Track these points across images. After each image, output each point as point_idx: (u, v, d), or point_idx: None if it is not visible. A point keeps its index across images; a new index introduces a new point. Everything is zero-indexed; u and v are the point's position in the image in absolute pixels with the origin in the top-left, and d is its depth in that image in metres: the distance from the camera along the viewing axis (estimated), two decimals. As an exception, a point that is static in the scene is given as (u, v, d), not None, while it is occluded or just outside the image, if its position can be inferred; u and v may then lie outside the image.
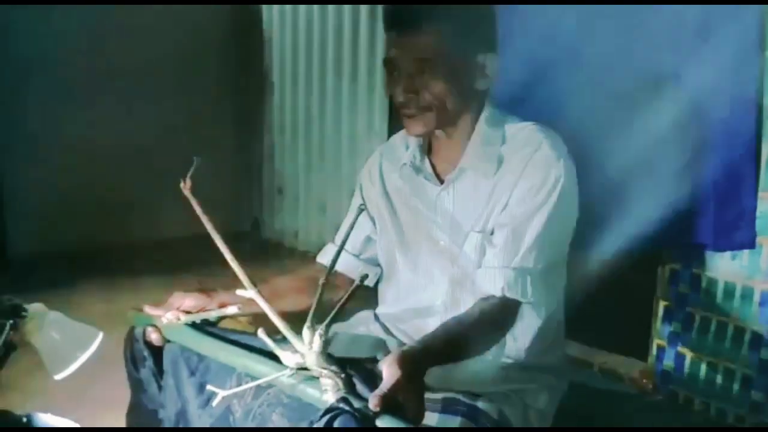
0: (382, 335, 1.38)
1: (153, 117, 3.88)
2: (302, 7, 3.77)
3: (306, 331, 0.85)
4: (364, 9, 3.40)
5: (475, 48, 1.23)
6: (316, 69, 3.74)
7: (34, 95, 3.51)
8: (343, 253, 1.37)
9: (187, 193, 0.91)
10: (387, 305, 1.43)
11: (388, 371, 0.87)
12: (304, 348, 0.85)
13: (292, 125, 3.96)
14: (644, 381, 1.91)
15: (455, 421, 1.17)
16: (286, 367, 0.85)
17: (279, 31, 3.94)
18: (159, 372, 1.09)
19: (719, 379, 1.75)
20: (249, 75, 4.19)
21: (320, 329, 0.85)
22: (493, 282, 1.18)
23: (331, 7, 3.60)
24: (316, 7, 3.69)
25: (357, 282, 0.87)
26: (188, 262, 3.24)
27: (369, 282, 1.41)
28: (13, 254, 3.27)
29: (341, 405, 0.81)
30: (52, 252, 3.57)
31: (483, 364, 1.27)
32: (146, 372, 1.09)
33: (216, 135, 4.20)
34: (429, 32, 1.19)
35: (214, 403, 0.81)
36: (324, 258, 1.41)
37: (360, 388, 0.86)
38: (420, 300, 1.36)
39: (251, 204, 4.32)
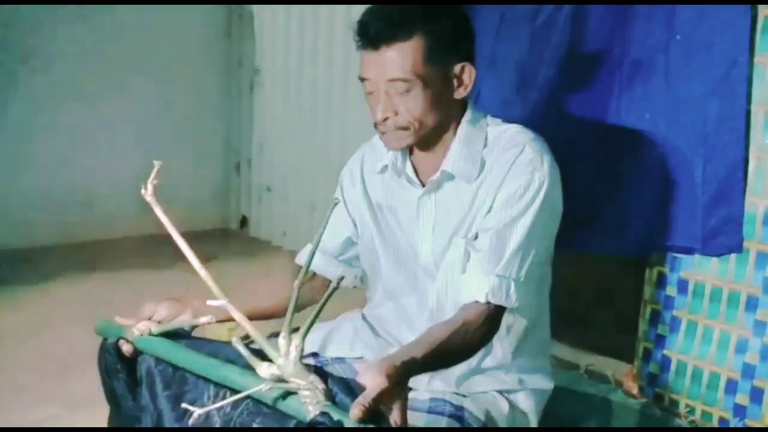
0: (369, 336, 1.37)
1: (141, 113, 3.86)
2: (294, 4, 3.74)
3: (281, 341, 0.83)
4: (357, 7, 3.37)
5: (451, 58, 1.20)
6: (307, 66, 3.71)
7: (18, 89, 3.47)
8: (322, 255, 1.36)
9: (149, 198, 0.88)
10: (373, 306, 1.42)
11: (372, 380, 0.86)
12: (280, 358, 0.83)
13: (281, 122, 3.93)
14: (630, 383, 1.91)
15: (441, 422, 1.17)
16: (263, 379, 0.84)
17: (270, 27, 3.91)
18: (134, 384, 1.07)
19: (705, 382, 1.75)
20: (239, 71, 4.17)
21: (297, 339, 0.83)
22: (477, 288, 1.17)
23: (323, 5, 3.58)
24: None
25: (333, 285, 0.85)
26: (174, 258, 3.21)
27: (348, 283, 1.39)
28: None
29: (322, 419, 0.80)
30: (32, 246, 3.54)
31: (469, 366, 1.26)
32: (120, 384, 1.07)
33: (204, 132, 4.18)
34: (403, 48, 1.15)
35: (190, 421, 0.79)
36: (302, 259, 1.39)
37: (340, 398, 0.85)
38: (404, 302, 1.35)
39: (239, 202, 4.30)
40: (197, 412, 0.78)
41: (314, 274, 1.36)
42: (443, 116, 1.23)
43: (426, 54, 1.16)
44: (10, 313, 2.75)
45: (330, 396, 0.83)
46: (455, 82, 1.22)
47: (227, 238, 4.07)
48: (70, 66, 3.58)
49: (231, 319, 0.97)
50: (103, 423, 1.16)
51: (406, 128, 1.20)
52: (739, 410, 1.69)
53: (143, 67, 3.82)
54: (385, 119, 1.20)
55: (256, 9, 3.97)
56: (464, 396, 1.25)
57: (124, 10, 3.67)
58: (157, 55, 3.85)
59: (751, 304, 1.66)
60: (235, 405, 0.92)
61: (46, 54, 3.50)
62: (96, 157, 3.74)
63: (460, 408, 1.21)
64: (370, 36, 1.17)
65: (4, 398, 2.08)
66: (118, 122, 3.79)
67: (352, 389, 0.85)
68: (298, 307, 0.91)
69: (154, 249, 3.63)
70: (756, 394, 1.66)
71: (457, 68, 1.21)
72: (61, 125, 3.61)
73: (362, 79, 1.22)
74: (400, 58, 1.16)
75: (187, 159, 3.94)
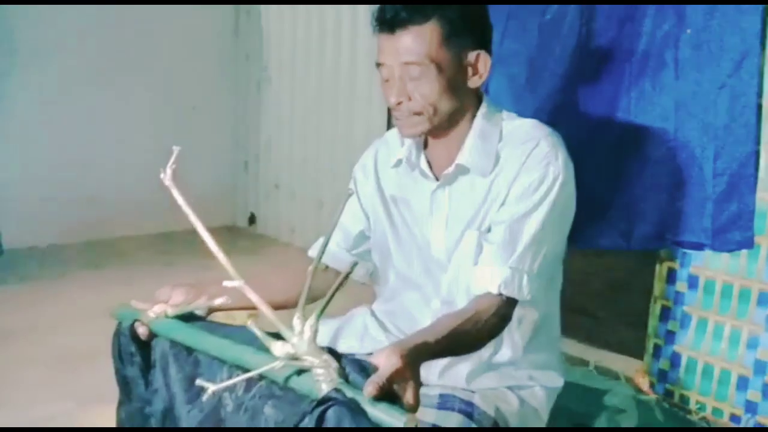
0: (379, 331, 1.37)
1: (150, 111, 3.88)
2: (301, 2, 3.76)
3: (296, 321, 0.84)
4: (363, 5, 3.39)
5: (466, 46, 1.21)
6: (314, 63, 3.72)
7: (27, 87, 3.49)
8: (335, 248, 1.37)
9: (168, 182, 0.89)
10: (383, 301, 1.42)
11: (386, 360, 0.86)
12: (294, 338, 0.83)
13: (289, 119, 3.94)
14: (640, 379, 1.90)
15: (452, 417, 1.17)
16: (277, 358, 0.84)
17: (277, 24, 3.93)
18: (147, 368, 1.07)
19: (715, 378, 1.75)
20: (246, 69, 4.18)
21: (311, 319, 0.83)
22: (490, 279, 1.17)
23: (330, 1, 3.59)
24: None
25: (347, 270, 0.86)
26: (183, 255, 3.24)
27: (360, 277, 1.40)
28: (6, 245, 3.27)
29: (335, 395, 0.80)
30: (44, 243, 3.56)
31: (479, 361, 1.26)
32: (134, 368, 1.08)
33: (213, 129, 4.20)
34: (419, 32, 1.16)
35: (205, 397, 0.80)
36: (315, 251, 1.39)
37: (353, 377, 0.85)
38: (415, 297, 1.35)
39: (247, 199, 4.31)
40: (211, 388, 0.79)
41: (327, 266, 1.37)
42: (457, 104, 1.23)
43: (441, 39, 1.17)
44: (22, 310, 2.77)
45: (343, 374, 0.84)
46: (470, 71, 1.23)
47: (236, 235, 4.08)
48: (76, 63, 3.60)
49: (245, 307, 0.98)
50: (105, 418, 1.16)
51: (419, 113, 1.21)
52: (751, 407, 1.69)
53: (151, 65, 3.83)
54: (399, 104, 1.20)
55: (263, 6, 3.99)
56: (474, 392, 1.25)
57: (131, 8, 3.69)
58: (164, 53, 3.87)
59: (763, 300, 1.66)
60: (247, 388, 0.92)
61: (52, 52, 3.52)
62: (103, 155, 3.76)
63: (470, 404, 1.21)
64: (387, 20, 1.18)
65: (17, 394, 2.10)
66: (126, 120, 3.81)
67: (365, 369, 0.85)
68: (311, 298, 0.92)
69: (163, 246, 3.66)
70: (768, 391, 1.66)
71: (471, 56, 1.22)
72: (68, 123, 3.63)
73: (378, 65, 1.23)
74: (415, 42, 1.17)
75: (195, 156, 3.94)
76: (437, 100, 1.20)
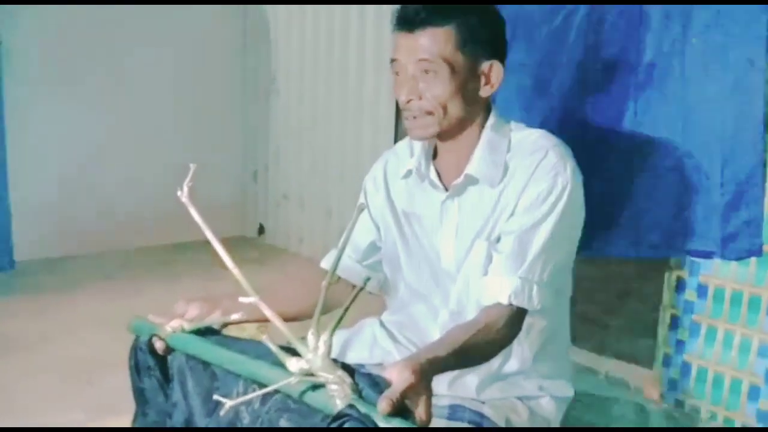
0: (388, 342, 1.38)
1: (159, 121, 3.91)
2: (309, 11, 3.78)
3: (310, 337, 0.85)
4: (371, 14, 3.41)
5: (481, 54, 1.23)
6: (322, 73, 3.75)
7: (41, 100, 3.53)
8: (346, 260, 1.38)
9: (185, 200, 0.91)
10: (392, 312, 1.43)
11: (399, 376, 0.87)
12: (309, 353, 0.84)
13: (297, 130, 3.97)
14: (651, 389, 1.90)
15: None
16: (292, 373, 0.85)
17: (285, 36, 3.95)
18: (165, 381, 1.09)
19: (726, 387, 1.74)
20: (255, 80, 4.21)
21: (325, 334, 0.85)
22: (499, 289, 1.18)
23: (338, 12, 3.61)
24: (323, 11, 3.70)
25: (361, 284, 0.87)
26: (193, 266, 3.26)
27: (372, 289, 1.41)
28: (21, 257, 3.30)
29: (349, 411, 0.81)
30: (56, 255, 3.59)
31: (489, 371, 1.27)
32: (152, 382, 1.09)
33: (222, 140, 4.22)
34: (437, 34, 1.19)
35: (222, 412, 0.81)
36: (327, 263, 1.41)
37: (366, 393, 0.86)
38: (425, 308, 1.36)
39: (257, 209, 4.33)
40: (228, 403, 0.80)
41: (339, 278, 1.38)
42: (467, 111, 1.24)
43: (458, 43, 1.19)
44: (35, 321, 2.79)
45: (357, 390, 0.85)
46: (483, 80, 1.24)
47: (245, 246, 4.10)
48: (88, 76, 3.63)
49: (260, 320, 0.99)
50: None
51: (430, 113, 1.22)
52: (763, 416, 1.68)
53: (160, 77, 3.87)
54: (409, 101, 1.22)
55: (272, 17, 4.02)
56: (483, 403, 1.26)
57: (141, 20, 3.73)
58: (173, 65, 3.91)
59: (773, 308, 1.66)
60: (263, 401, 0.93)
61: (64, 67, 3.56)
62: (114, 167, 3.79)
63: (480, 414, 1.22)
64: (407, 18, 1.20)
65: (29, 404, 2.12)
66: (136, 132, 3.84)
67: (378, 384, 0.86)
68: (324, 310, 0.93)
69: (174, 257, 3.68)
70: (779, 400, 1.65)
71: (485, 65, 1.23)
72: (80, 136, 3.66)
73: (393, 61, 1.24)
74: (431, 42, 1.19)
75: (204, 167, 3.92)
76: (448, 102, 1.21)
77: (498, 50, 1.26)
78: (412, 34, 1.20)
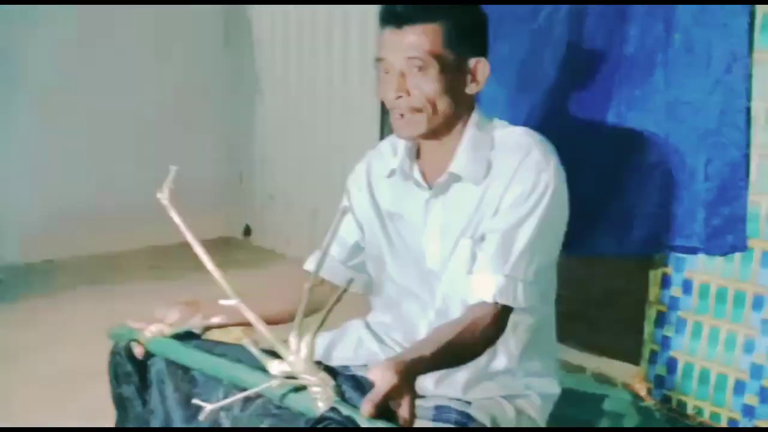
0: (373, 343, 1.37)
1: (143, 124, 3.88)
2: (293, 12, 3.77)
3: (292, 339, 0.84)
4: (355, 13, 3.40)
5: (468, 51, 1.23)
6: (307, 74, 3.74)
7: (23, 104, 3.50)
8: (330, 261, 1.37)
9: (165, 202, 0.89)
10: (377, 313, 1.42)
11: (382, 377, 0.86)
12: (291, 356, 0.83)
13: (282, 131, 3.95)
14: (638, 385, 1.90)
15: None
16: (274, 377, 0.84)
17: (269, 36, 3.94)
18: (143, 387, 1.07)
19: (712, 383, 1.75)
20: (239, 81, 4.19)
21: (307, 336, 0.84)
22: (484, 288, 1.17)
23: (321, 12, 3.60)
24: (306, 11, 3.69)
25: (343, 287, 0.86)
26: (180, 269, 3.23)
27: (357, 289, 1.40)
28: (7, 262, 3.27)
29: (331, 414, 0.80)
30: (44, 260, 3.55)
31: (475, 370, 1.26)
32: (130, 388, 1.08)
33: (207, 142, 4.20)
34: (426, 30, 1.19)
35: (201, 417, 0.80)
36: (310, 265, 1.39)
37: (349, 395, 0.85)
38: (410, 307, 1.35)
39: (243, 211, 4.31)
40: (208, 407, 0.79)
41: (322, 280, 1.37)
42: (454, 108, 1.24)
43: (446, 40, 1.19)
44: (24, 327, 2.76)
45: (339, 392, 0.84)
46: (469, 77, 1.24)
47: (231, 247, 4.07)
48: (70, 78, 3.60)
49: (241, 323, 0.97)
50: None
51: (419, 110, 1.21)
52: (749, 411, 1.69)
53: (144, 79, 3.84)
54: (398, 98, 1.21)
55: (255, 17, 4.00)
56: (469, 402, 1.25)
57: (124, 22, 3.70)
58: (157, 67, 3.88)
59: (758, 303, 1.66)
60: (244, 407, 0.92)
61: (47, 68, 3.52)
62: (100, 170, 3.76)
63: (466, 415, 1.21)
64: (396, 14, 1.20)
65: (19, 411, 2.09)
66: (121, 135, 3.81)
67: (362, 386, 0.85)
68: (307, 312, 0.92)
69: (162, 260, 3.65)
70: (765, 394, 1.66)
71: (472, 62, 1.24)
72: (65, 139, 3.63)
73: (378, 60, 1.24)
74: (420, 38, 1.19)
75: (189, 169, 3.92)
76: (437, 99, 1.21)
77: (483, 48, 1.26)
78: (401, 30, 1.19)
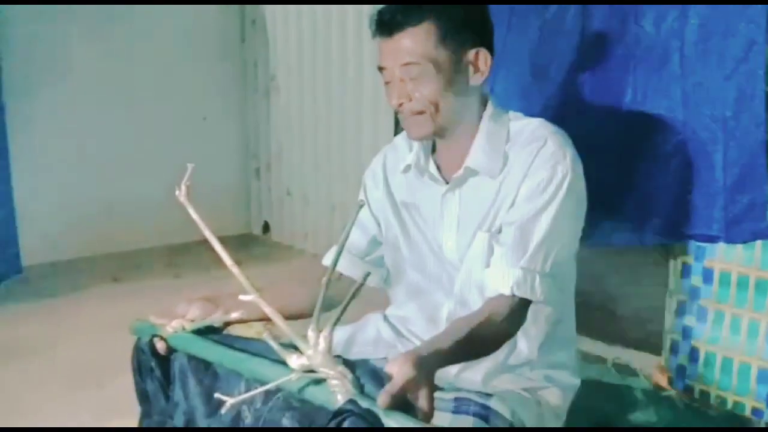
0: (392, 336, 1.38)
1: (161, 121, 3.91)
2: (306, 7, 3.78)
3: (311, 333, 0.85)
4: (368, 11, 3.39)
5: (464, 43, 1.22)
6: (321, 69, 3.74)
7: (41, 102, 3.54)
8: (348, 256, 1.38)
9: (182, 200, 0.91)
10: (396, 306, 1.43)
11: (399, 370, 0.87)
12: (310, 350, 0.84)
13: (298, 126, 3.96)
14: (659, 376, 1.89)
15: (468, 421, 1.17)
16: (293, 370, 0.85)
17: (283, 32, 3.95)
18: (167, 382, 1.09)
19: (735, 372, 1.73)
20: (255, 77, 4.21)
21: (325, 330, 0.85)
22: (502, 281, 1.17)
23: (334, 8, 3.60)
24: (320, 8, 3.69)
25: (360, 281, 0.87)
26: (199, 265, 3.26)
27: (375, 283, 1.40)
28: (31, 261, 3.32)
29: (350, 407, 0.81)
30: (62, 259, 3.60)
31: (495, 363, 1.26)
32: (153, 383, 1.10)
33: (224, 139, 4.22)
34: (416, 33, 1.18)
35: (223, 410, 0.81)
36: (328, 260, 1.40)
37: (368, 388, 0.86)
38: (428, 301, 1.35)
39: (261, 207, 4.33)
40: (229, 401, 0.80)
41: (340, 275, 1.38)
42: (460, 103, 1.24)
43: (438, 38, 1.19)
44: (41, 325, 2.80)
45: (358, 385, 0.85)
46: (471, 69, 1.23)
47: (250, 243, 4.10)
48: (87, 77, 3.63)
49: (261, 318, 0.99)
50: (134, 433, 1.17)
51: (421, 112, 1.22)
52: (772, 399, 1.67)
53: (160, 76, 3.86)
54: (401, 105, 1.22)
55: (269, 14, 4.01)
56: (490, 395, 1.25)
57: (139, 19, 3.72)
58: (173, 63, 3.90)
59: (780, 291, 1.64)
60: (265, 400, 0.93)
61: (63, 66, 3.56)
62: (116, 168, 3.80)
63: (486, 407, 1.21)
64: (384, 23, 1.20)
65: (36, 409, 2.12)
66: (137, 132, 3.84)
67: (380, 379, 0.86)
68: (325, 307, 0.93)
69: (177, 258, 3.69)
70: (789, 382, 1.64)
71: (471, 54, 1.23)
72: (80, 137, 3.67)
73: (380, 69, 1.24)
74: (412, 43, 1.19)
75: (207, 166, 3.96)
76: (438, 99, 1.21)
77: (482, 37, 1.25)
78: (392, 38, 1.20)
